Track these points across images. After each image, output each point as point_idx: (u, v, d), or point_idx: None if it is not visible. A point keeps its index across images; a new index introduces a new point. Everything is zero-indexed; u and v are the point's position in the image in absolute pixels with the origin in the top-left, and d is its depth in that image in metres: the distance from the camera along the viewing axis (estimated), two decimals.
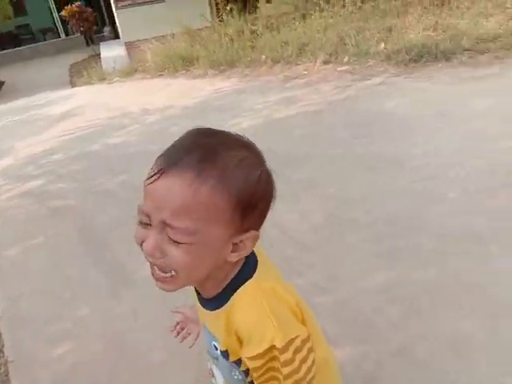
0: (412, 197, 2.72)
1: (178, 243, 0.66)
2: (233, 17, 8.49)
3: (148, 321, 2.13)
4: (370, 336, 1.81)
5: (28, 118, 6.64)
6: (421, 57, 5.02)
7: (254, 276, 0.76)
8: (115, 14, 13.59)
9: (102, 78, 8.52)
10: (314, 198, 2.88)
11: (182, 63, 7.53)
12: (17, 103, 8.02)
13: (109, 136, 4.88)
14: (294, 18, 7.90)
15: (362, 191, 2.87)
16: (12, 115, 7.01)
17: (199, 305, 0.84)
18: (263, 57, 6.32)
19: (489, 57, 4.69)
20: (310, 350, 0.72)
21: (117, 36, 15.09)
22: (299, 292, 0.82)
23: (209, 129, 0.73)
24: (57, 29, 18.35)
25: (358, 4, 7.36)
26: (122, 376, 1.87)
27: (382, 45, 5.62)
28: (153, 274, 0.72)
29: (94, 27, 14.92)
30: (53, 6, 17.78)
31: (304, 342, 0.71)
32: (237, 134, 0.73)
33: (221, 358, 0.81)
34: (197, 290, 0.83)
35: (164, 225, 0.66)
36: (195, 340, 1.05)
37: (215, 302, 0.77)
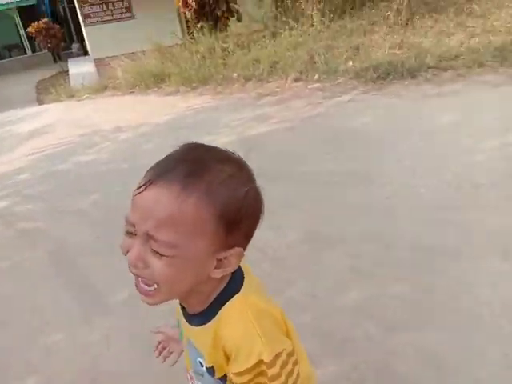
0: (385, 212, 2.77)
1: (161, 255, 0.66)
2: (204, 34, 8.57)
3: (121, 347, 2.07)
4: (349, 352, 1.81)
5: None
6: (388, 74, 5.19)
7: (241, 291, 0.76)
8: (84, 31, 13.49)
9: (71, 95, 8.38)
10: (289, 214, 2.90)
11: (153, 80, 7.51)
12: None
13: (79, 154, 4.78)
14: (264, 36, 8.05)
15: (337, 207, 2.91)
16: None
17: (184, 320, 0.82)
18: (235, 74, 6.39)
19: (452, 74, 4.89)
20: (295, 363, 0.72)
21: (85, 53, 14.95)
22: None
23: (201, 144, 0.73)
24: (23, 45, 18.00)
25: (326, 23, 7.57)
26: None
27: (351, 63, 5.79)
28: (137, 287, 0.71)
29: (62, 44, 14.73)
30: (19, 22, 17.45)
31: (289, 355, 0.71)
32: (228, 151, 0.73)
33: (206, 374, 0.80)
34: (182, 306, 0.82)
35: (148, 236, 0.66)
36: (177, 359, 1.03)
37: (202, 317, 0.77)
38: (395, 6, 7.38)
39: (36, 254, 3.01)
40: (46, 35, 13.26)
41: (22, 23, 16.73)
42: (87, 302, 2.43)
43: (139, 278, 0.70)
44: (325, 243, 2.56)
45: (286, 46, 6.87)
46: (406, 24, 7.12)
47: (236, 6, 9.21)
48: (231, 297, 0.74)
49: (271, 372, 0.68)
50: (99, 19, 13.29)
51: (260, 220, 0.73)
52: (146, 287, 0.70)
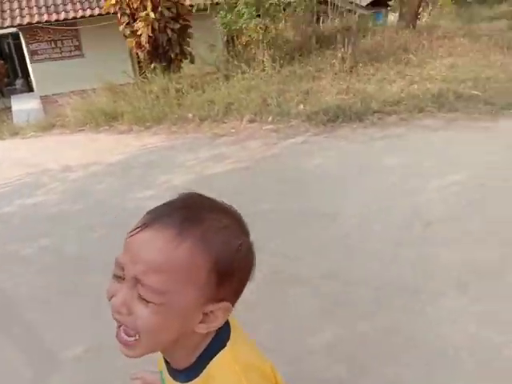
0: (344, 250, 2.85)
1: (147, 302, 0.63)
2: (157, 75, 8.65)
3: None
4: None
5: None
6: (337, 117, 5.47)
7: (229, 345, 0.73)
8: (30, 67, 13.17)
9: (15, 133, 8.02)
10: None
11: (104, 119, 7.39)
12: None
13: (26, 195, 4.53)
14: (217, 79, 8.25)
15: (299, 246, 2.95)
16: None
17: (168, 376, 0.78)
18: (190, 114, 6.45)
19: (395, 118, 5.25)
20: None
21: (30, 89, 14.53)
22: None
23: (199, 194, 0.73)
24: None
25: (277, 68, 7.92)
26: None
27: (302, 106, 6.06)
28: (117, 336, 0.68)
29: (5, 79, 14.24)
30: None
31: None
32: (225, 203, 0.73)
33: None
34: (166, 360, 0.78)
35: (136, 281, 0.64)
36: None
37: (188, 373, 0.73)
38: (340, 55, 7.89)
39: None
40: None
41: None
42: (37, 360, 2.24)
43: (121, 327, 0.67)
44: (290, 283, 2.57)
45: (239, 89, 7.07)
46: (351, 71, 7.61)
47: (189, 49, 9.42)
48: (217, 352, 0.72)
49: None
50: (47, 56, 13.08)
51: (251, 277, 0.72)
52: (126, 337, 0.66)
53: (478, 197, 3.23)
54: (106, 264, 2.87)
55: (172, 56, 9.13)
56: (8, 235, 3.69)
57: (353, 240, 2.96)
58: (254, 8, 8.74)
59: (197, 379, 0.72)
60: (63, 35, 13.41)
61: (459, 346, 1.98)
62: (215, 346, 0.72)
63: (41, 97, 12.14)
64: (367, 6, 15.32)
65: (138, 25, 8.82)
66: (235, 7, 8.97)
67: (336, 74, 7.45)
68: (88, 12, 12.63)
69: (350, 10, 11.18)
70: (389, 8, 16.01)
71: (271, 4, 8.85)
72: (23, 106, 11.20)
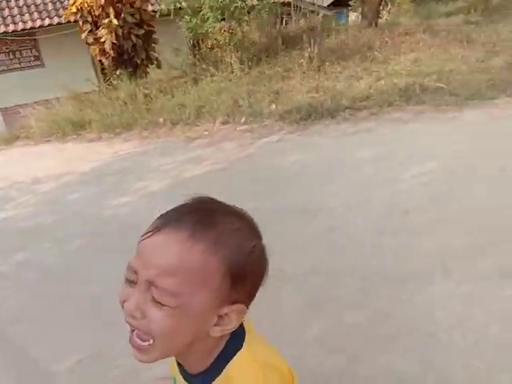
0: (327, 244, 2.87)
1: (161, 305, 0.63)
2: (122, 81, 8.51)
3: None
4: None
5: None
6: (309, 115, 5.53)
7: (245, 346, 0.73)
8: None
9: None
10: None
11: (71, 128, 7.22)
12: None
13: None
14: (185, 82, 8.20)
15: (281, 243, 2.94)
16: None
17: (183, 380, 0.77)
18: (161, 119, 6.38)
19: (366, 113, 5.36)
20: None
21: None
22: None
23: (210, 197, 0.73)
24: None
25: (246, 70, 7.95)
26: None
27: (273, 106, 6.10)
28: (130, 341, 0.67)
29: None
30: None
31: None
32: (236, 207, 0.74)
33: None
34: (179, 365, 0.77)
35: (149, 284, 0.63)
36: None
37: (204, 377, 0.72)
38: (307, 54, 7.99)
39: None
40: None
41: None
42: (27, 376, 2.15)
43: (134, 332, 0.66)
44: (276, 280, 2.56)
45: (209, 92, 7.05)
46: (318, 70, 7.72)
47: (155, 54, 9.32)
48: (234, 354, 0.71)
49: None
50: (5, 68, 12.67)
51: (264, 278, 0.72)
52: (140, 342, 0.66)
53: (450, 184, 3.33)
54: (87, 274, 2.82)
55: (138, 62, 9.01)
56: None
57: (334, 233, 2.99)
58: (218, 12, 8.74)
59: (214, 382, 0.71)
60: (21, 45, 13.04)
61: (450, 328, 2.02)
62: (231, 348, 0.72)
63: (1, 109, 11.71)
64: (329, 6, 15.60)
65: (102, 32, 8.66)
66: (200, 11, 8.93)
67: (304, 73, 7.54)
68: (46, 21, 12.31)
69: (312, 11, 11.34)
70: (350, 8, 16.35)
71: (236, 7, 8.86)
72: None
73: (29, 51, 13.21)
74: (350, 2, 15.48)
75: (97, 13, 8.74)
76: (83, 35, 9.17)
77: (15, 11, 12.27)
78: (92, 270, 3.02)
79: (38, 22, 12.29)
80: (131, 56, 8.91)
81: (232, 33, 9.00)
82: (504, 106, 4.89)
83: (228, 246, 0.65)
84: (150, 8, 9.81)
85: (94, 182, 4.73)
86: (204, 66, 8.63)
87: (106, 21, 8.51)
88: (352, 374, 1.84)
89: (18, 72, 12.81)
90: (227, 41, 8.63)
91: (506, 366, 1.79)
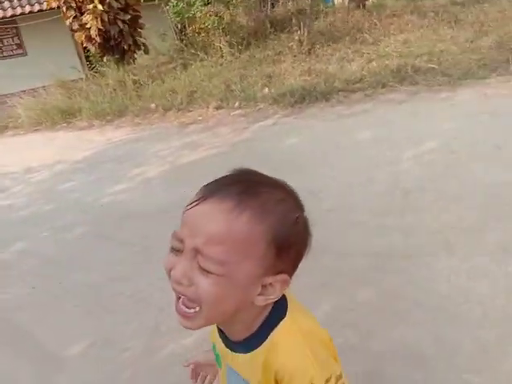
0: (329, 224, 2.88)
1: (208, 273, 0.64)
2: (109, 67, 8.37)
3: None
4: None
5: None
6: (303, 99, 5.51)
7: (288, 315, 0.74)
8: None
9: None
10: None
11: (60, 116, 7.09)
12: None
13: None
14: (174, 68, 8.09)
15: None
16: None
17: (224, 346, 0.79)
18: (153, 105, 6.30)
19: (360, 95, 5.36)
20: None
21: None
22: None
23: (252, 169, 0.74)
24: None
25: (236, 54, 7.86)
26: None
27: (266, 89, 6.05)
28: (176, 308, 0.69)
29: None
30: None
31: (337, 378, 0.71)
32: (279, 179, 0.74)
33: None
34: (220, 331, 0.79)
35: (196, 252, 0.64)
36: (213, 380, 1.01)
37: (247, 344, 0.74)
38: (297, 37, 7.93)
39: None
40: None
41: None
42: (38, 362, 2.14)
43: (180, 299, 0.68)
44: None
45: (200, 77, 6.97)
46: (309, 53, 7.68)
47: (142, 40, 9.15)
48: (278, 322, 0.73)
49: None
50: None
51: (308, 249, 0.73)
52: (186, 309, 0.67)
53: (450, 163, 3.37)
54: (88, 263, 2.81)
55: (125, 47, 8.84)
56: None
57: (338, 214, 3.01)
58: None
59: (259, 349, 0.73)
60: (2, 34, 12.72)
61: (457, 301, 2.07)
62: (275, 316, 0.73)
63: None
64: None
65: (87, 18, 8.46)
66: None
67: (295, 56, 7.50)
68: (27, 8, 12.01)
69: None
70: None
71: None
72: None
73: (10, 39, 12.91)
74: None
75: None
76: (67, 21, 8.95)
77: None
78: (92, 259, 3.01)
79: (19, 10, 11.99)
80: (118, 42, 8.74)
81: (220, 16, 8.87)
82: (496, 85, 4.94)
83: (273, 215, 0.66)
84: None
85: (88, 170, 4.67)
86: (192, 51, 8.52)
87: (91, 6, 8.31)
88: (365, 349, 1.87)
89: (1, 61, 12.51)
90: (216, 24, 8.51)
91: None
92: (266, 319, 0.73)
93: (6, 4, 12.03)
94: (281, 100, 5.52)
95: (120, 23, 8.63)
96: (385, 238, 2.65)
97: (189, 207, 0.67)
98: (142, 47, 9.18)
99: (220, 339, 0.80)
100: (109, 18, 8.46)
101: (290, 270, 0.71)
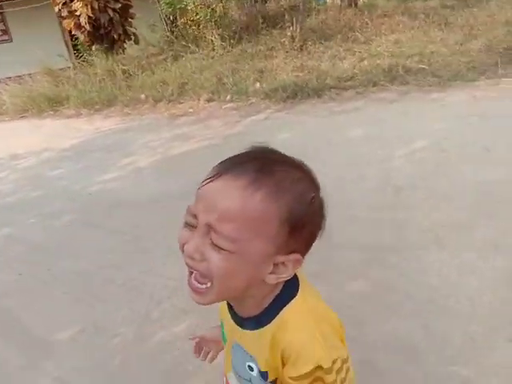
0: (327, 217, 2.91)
1: (220, 249, 0.64)
2: (98, 57, 8.24)
3: None
4: None
5: None
6: (295, 94, 5.52)
7: (300, 294, 0.75)
8: None
9: None
10: None
11: (47, 104, 6.96)
12: None
13: None
14: (165, 59, 8.02)
15: None
16: None
17: (232, 323, 0.79)
18: (143, 96, 6.23)
19: (352, 93, 5.39)
20: (348, 370, 0.73)
21: None
22: None
23: (269, 147, 0.73)
24: None
25: (227, 48, 7.83)
26: None
27: (258, 84, 6.04)
28: (188, 283, 0.69)
29: None
30: None
31: (343, 362, 0.72)
32: (296, 158, 0.74)
33: (255, 379, 0.78)
34: (230, 308, 0.79)
35: (209, 228, 0.64)
36: (216, 356, 1.02)
37: (257, 320, 0.75)
38: (289, 33, 7.93)
39: None
40: None
41: None
42: (26, 347, 2.11)
43: (192, 274, 0.68)
44: None
45: (191, 69, 6.92)
46: (301, 49, 7.69)
47: (132, 29, 9.03)
48: (289, 301, 0.73)
49: (328, 379, 0.69)
50: None
51: (322, 229, 0.73)
52: (198, 284, 0.68)
53: (441, 161, 3.42)
54: (76, 250, 2.78)
55: (115, 37, 8.72)
56: None
57: (330, 208, 3.02)
58: None
59: (268, 326, 0.73)
60: None
61: (446, 295, 2.11)
62: (286, 295, 0.74)
63: None
64: None
65: (77, 5, 8.31)
66: None
67: (287, 52, 7.50)
68: None
69: None
70: None
71: None
72: None
73: None
74: None
75: None
76: (56, 8, 8.77)
77: None
78: (81, 246, 2.97)
79: None
80: (108, 31, 8.61)
81: (213, 9, 8.81)
82: (485, 87, 5.02)
83: (288, 194, 0.66)
84: None
85: (76, 158, 4.61)
86: (183, 43, 8.45)
87: None
88: (357, 339, 1.89)
89: None
90: (208, 17, 8.45)
91: (501, 330, 1.89)
92: (277, 297, 0.74)
93: None
94: (273, 95, 5.52)
95: (110, 11, 8.51)
96: (375, 233, 2.68)
97: (204, 183, 0.67)
98: (132, 37, 9.06)
99: (229, 315, 0.80)
100: (99, 6, 8.33)
101: (303, 249, 0.71)
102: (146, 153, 4.37)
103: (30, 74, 8.52)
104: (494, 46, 6.24)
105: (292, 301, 0.73)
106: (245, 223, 0.63)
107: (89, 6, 8.23)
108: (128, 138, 4.99)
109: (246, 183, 0.63)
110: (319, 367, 0.67)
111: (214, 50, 7.89)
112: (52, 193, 3.85)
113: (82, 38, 8.81)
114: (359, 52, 6.92)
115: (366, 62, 6.32)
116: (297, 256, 0.69)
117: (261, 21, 9.23)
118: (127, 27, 9.02)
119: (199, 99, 5.79)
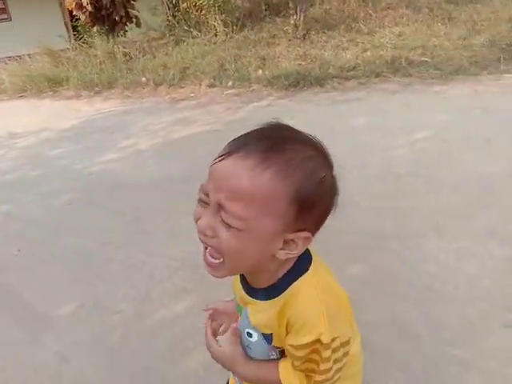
0: None
1: (229, 226, 0.65)
2: (99, 38, 8.15)
3: (81, 359, 1.86)
4: None
5: None
6: (298, 82, 5.50)
7: (312, 269, 0.76)
8: None
9: None
10: None
11: (47, 84, 6.89)
12: None
13: None
14: (166, 44, 7.95)
15: None
16: None
17: (246, 295, 0.81)
18: (144, 79, 6.18)
19: (354, 83, 5.38)
20: (345, 354, 0.75)
21: None
22: None
23: (283, 124, 0.73)
24: None
25: (230, 34, 7.77)
26: None
27: (260, 71, 6.01)
28: (204, 258, 0.71)
29: None
30: None
31: (343, 344, 0.73)
32: (309, 135, 0.73)
33: (254, 344, 0.80)
34: (242, 278, 0.81)
35: (219, 206, 0.65)
36: (227, 329, 1.00)
37: (271, 290, 0.76)
38: (292, 22, 7.88)
39: None
40: None
41: None
42: (25, 321, 2.12)
43: (207, 250, 0.70)
44: None
45: (192, 54, 6.87)
46: (304, 38, 7.65)
47: (134, 12, 8.93)
48: (301, 274, 0.74)
49: (324, 354, 0.71)
50: None
51: (333, 209, 0.73)
52: (212, 259, 0.70)
53: (442, 152, 3.44)
54: (75, 229, 2.77)
55: (116, 19, 8.62)
56: None
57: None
58: None
59: (279, 297, 0.75)
60: None
61: (444, 280, 2.13)
62: (298, 269, 0.75)
63: None
64: None
65: None
66: None
67: (290, 40, 7.46)
68: None
69: None
70: None
71: None
72: None
73: None
74: None
75: None
76: None
77: None
78: (81, 225, 2.97)
79: None
80: (109, 12, 8.50)
81: None
82: (487, 82, 5.03)
83: (297, 173, 0.66)
84: None
85: (75, 138, 4.58)
86: (185, 28, 8.38)
87: None
88: (355, 319, 1.91)
89: None
90: (211, 2, 8.37)
91: (497, 315, 1.92)
92: (290, 270, 0.75)
93: None
94: (275, 82, 5.50)
95: None
96: (376, 219, 2.70)
97: (215, 161, 0.67)
98: (134, 20, 8.97)
99: (241, 285, 0.82)
100: None
101: (313, 228, 0.71)
102: (147, 136, 4.34)
103: (29, 54, 8.42)
104: (496, 41, 6.23)
105: (305, 274, 0.74)
106: (253, 202, 0.64)
107: None
108: (128, 120, 4.96)
109: (254, 163, 0.63)
110: (319, 340, 0.69)
111: (216, 35, 7.83)
112: (52, 172, 3.83)
113: (83, 18, 8.71)
114: (362, 43, 6.89)
115: (368, 53, 6.30)
116: (306, 234, 0.69)
117: (264, 8, 9.17)
118: (129, 9, 8.91)
119: (200, 84, 5.76)
